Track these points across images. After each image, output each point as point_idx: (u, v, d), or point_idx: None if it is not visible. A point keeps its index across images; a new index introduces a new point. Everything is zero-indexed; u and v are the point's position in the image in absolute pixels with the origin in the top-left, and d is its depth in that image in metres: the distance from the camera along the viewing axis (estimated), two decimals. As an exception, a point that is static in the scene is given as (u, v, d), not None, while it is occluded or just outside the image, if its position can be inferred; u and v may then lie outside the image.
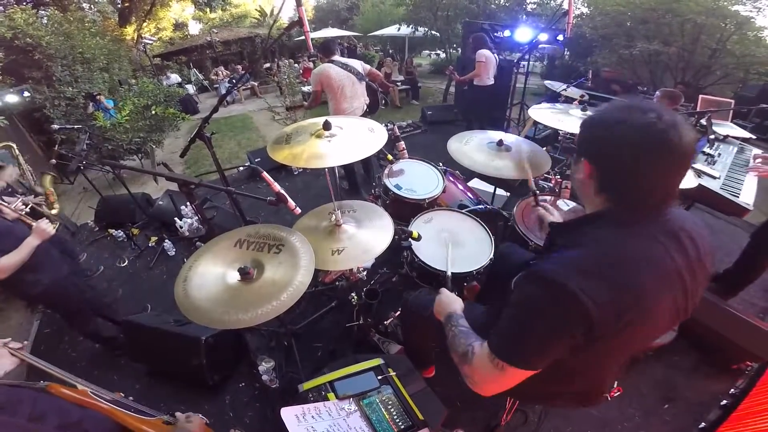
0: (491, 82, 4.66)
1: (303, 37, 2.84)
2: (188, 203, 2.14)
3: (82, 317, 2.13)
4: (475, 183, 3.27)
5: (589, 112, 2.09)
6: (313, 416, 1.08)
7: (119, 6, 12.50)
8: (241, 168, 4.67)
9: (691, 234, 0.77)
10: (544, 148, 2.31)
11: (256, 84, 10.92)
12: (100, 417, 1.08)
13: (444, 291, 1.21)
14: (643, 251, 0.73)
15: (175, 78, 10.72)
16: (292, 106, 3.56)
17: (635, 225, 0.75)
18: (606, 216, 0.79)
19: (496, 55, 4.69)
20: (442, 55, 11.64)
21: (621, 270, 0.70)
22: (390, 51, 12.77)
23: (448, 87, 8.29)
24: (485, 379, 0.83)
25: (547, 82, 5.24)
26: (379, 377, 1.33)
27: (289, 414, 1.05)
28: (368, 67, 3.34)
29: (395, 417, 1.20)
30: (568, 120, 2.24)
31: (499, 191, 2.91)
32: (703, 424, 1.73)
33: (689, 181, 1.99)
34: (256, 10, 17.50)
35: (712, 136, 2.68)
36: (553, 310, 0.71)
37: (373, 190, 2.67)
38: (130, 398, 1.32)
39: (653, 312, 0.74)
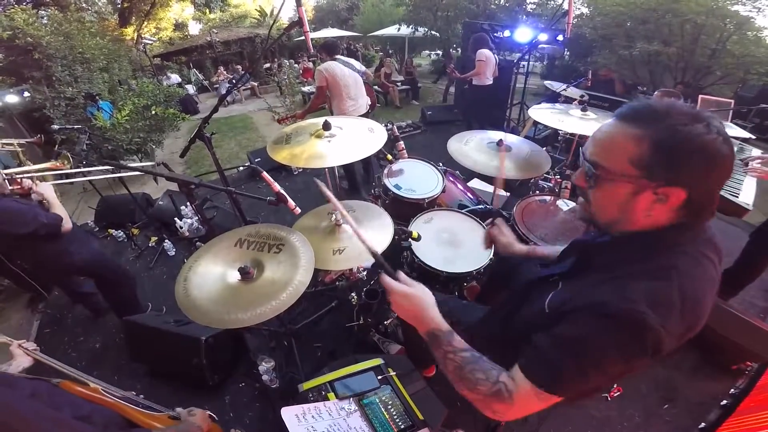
0: (490, 81, 4.70)
1: (303, 38, 2.84)
2: (188, 203, 2.15)
3: (129, 282, 2.35)
4: (475, 183, 3.27)
5: (589, 113, 2.09)
6: (313, 416, 1.08)
7: (119, 6, 12.50)
8: (241, 168, 4.67)
9: (718, 238, 0.75)
10: (544, 149, 2.31)
11: (256, 84, 10.93)
12: (108, 412, 1.11)
13: (400, 284, 0.92)
14: (705, 275, 0.70)
15: (175, 78, 10.73)
16: (281, 119, 3.46)
17: (691, 242, 0.71)
18: (659, 237, 0.72)
19: (496, 55, 4.73)
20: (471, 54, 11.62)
21: (693, 300, 0.67)
22: (390, 51, 12.76)
23: (448, 87, 8.30)
24: (524, 410, 0.76)
25: (546, 83, 5.24)
26: (379, 377, 1.33)
27: (289, 414, 1.05)
28: (364, 67, 3.38)
29: (395, 417, 1.20)
30: (568, 120, 2.24)
31: (499, 191, 2.91)
32: (703, 424, 1.73)
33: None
34: (256, 10, 17.49)
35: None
36: (632, 346, 0.66)
37: (372, 190, 2.67)
38: (141, 396, 1.35)
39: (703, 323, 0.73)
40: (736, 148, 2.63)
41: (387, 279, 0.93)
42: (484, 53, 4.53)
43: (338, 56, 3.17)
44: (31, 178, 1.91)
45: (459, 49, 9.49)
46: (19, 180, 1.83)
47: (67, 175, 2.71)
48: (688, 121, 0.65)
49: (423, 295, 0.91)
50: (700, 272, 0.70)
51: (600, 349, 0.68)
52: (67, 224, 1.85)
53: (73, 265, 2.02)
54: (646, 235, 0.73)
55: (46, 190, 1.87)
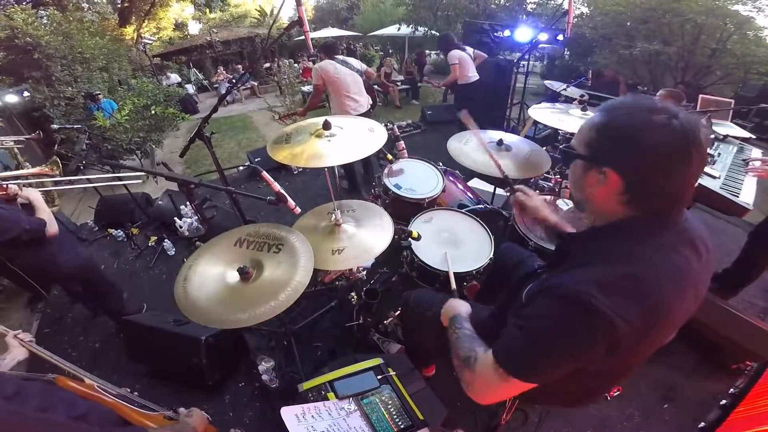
0: (476, 77, 4.47)
1: (303, 37, 2.85)
2: (188, 203, 2.15)
3: (115, 291, 2.34)
4: (475, 183, 3.27)
5: (589, 113, 2.09)
6: (313, 416, 1.08)
7: (119, 6, 12.49)
8: (241, 168, 4.65)
9: (703, 237, 0.76)
10: (544, 148, 2.31)
11: (256, 84, 10.93)
12: (104, 410, 1.10)
13: (452, 298, 1.22)
14: (667, 265, 0.71)
15: (174, 78, 10.72)
16: (282, 116, 3.49)
17: (659, 235, 0.73)
18: (627, 227, 0.75)
19: (467, 49, 4.46)
20: (442, 56, 11.63)
21: (649, 286, 0.68)
22: (390, 51, 12.76)
23: (447, 87, 8.28)
24: (486, 387, 0.81)
25: (547, 82, 5.24)
26: (379, 377, 1.33)
27: (289, 414, 1.05)
28: (364, 66, 3.37)
29: (395, 417, 1.20)
30: (568, 120, 2.24)
31: (499, 191, 2.91)
32: (703, 424, 1.72)
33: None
34: (256, 10, 17.49)
35: (712, 136, 2.68)
36: (576, 328, 0.68)
37: (372, 190, 2.67)
38: (135, 393, 1.33)
39: (673, 320, 0.74)
40: (735, 148, 2.66)
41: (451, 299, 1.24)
42: (455, 55, 4.28)
43: (336, 56, 3.17)
44: (17, 184, 1.89)
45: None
46: (4, 186, 1.81)
47: (70, 180, 2.70)
48: (640, 111, 0.69)
49: (461, 302, 1.18)
50: (666, 265, 0.70)
51: (547, 328, 0.72)
52: (51, 228, 1.81)
53: (59, 273, 1.99)
54: (613, 226, 0.78)
55: (32, 194, 1.85)
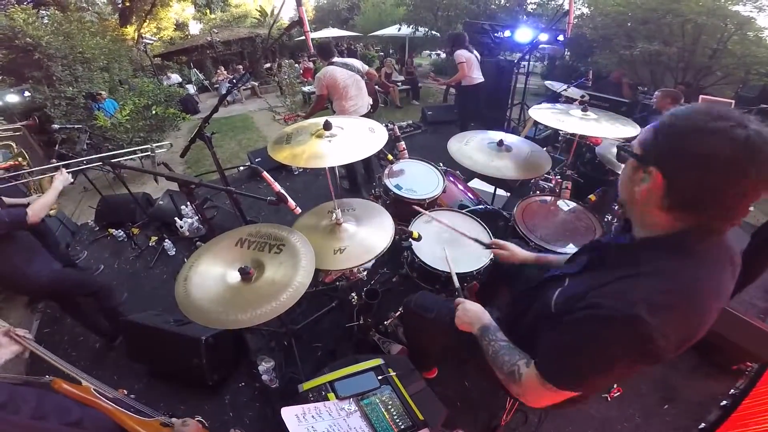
0: (481, 79, 4.51)
1: (303, 37, 2.85)
2: (188, 203, 2.14)
3: (104, 293, 2.23)
4: (475, 183, 3.27)
5: (589, 113, 2.09)
6: (313, 416, 1.08)
7: (119, 6, 12.50)
8: (242, 168, 4.67)
9: (736, 250, 0.75)
10: (545, 149, 2.31)
11: (256, 84, 10.92)
12: (100, 416, 1.08)
13: (467, 302, 1.18)
14: (712, 282, 0.70)
15: (175, 78, 10.73)
16: (287, 117, 3.54)
17: (704, 252, 0.70)
18: (673, 241, 0.72)
19: (475, 52, 4.53)
20: (443, 56, 11.64)
21: (695, 304, 0.67)
22: (390, 51, 12.77)
23: (448, 88, 8.29)
24: (537, 398, 0.85)
25: (547, 83, 5.24)
26: (379, 377, 1.33)
27: (289, 414, 1.05)
28: (366, 66, 3.36)
29: (395, 417, 1.20)
30: (568, 120, 2.24)
31: (499, 191, 2.91)
32: (703, 425, 1.72)
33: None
34: (257, 10, 17.50)
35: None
36: (625, 348, 0.68)
37: (373, 190, 2.68)
38: (132, 396, 1.32)
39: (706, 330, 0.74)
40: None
41: (460, 299, 1.21)
42: (463, 54, 4.31)
43: (335, 59, 3.15)
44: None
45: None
46: None
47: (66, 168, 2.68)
48: (703, 115, 0.65)
49: (479, 307, 1.16)
50: (711, 282, 0.70)
51: (595, 346, 0.72)
52: (34, 216, 1.75)
53: (27, 282, 1.86)
54: (658, 239, 0.75)
55: (58, 179, 1.88)
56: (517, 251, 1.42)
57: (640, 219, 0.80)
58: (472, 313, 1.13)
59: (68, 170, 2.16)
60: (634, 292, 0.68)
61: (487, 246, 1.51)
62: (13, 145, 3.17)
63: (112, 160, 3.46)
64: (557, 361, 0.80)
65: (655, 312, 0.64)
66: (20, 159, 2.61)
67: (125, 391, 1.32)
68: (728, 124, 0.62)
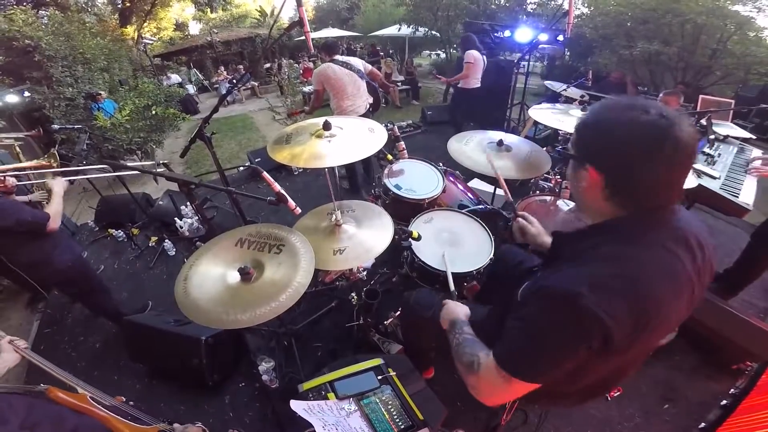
0: (478, 84, 4.58)
1: (303, 38, 2.85)
2: (188, 203, 2.15)
3: (105, 293, 2.30)
4: (475, 183, 3.27)
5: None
6: (317, 412, 1.09)
7: (119, 6, 12.51)
8: (242, 168, 4.67)
9: (699, 236, 0.76)
10: (544, 149, 2.31)
11: (256, 84, 10.94)
12: (95, 424, 1.07)
13: (451, 302, 1.20)
14: (657, 263, 0.71)
15: (175, 78, 10.74)
16: (292, 112, 3.61)
17: (647, 233, 0.73)
18: (617, 226, 0.76)
19: (485, 57, 4.59)
20: (443, 56, 11.64)
21: (638, 284, 0.69)
22: (390, 51, 12.75)
23: (448, 87, 8.29)
24: (491, 390, 0.84)
25: (547, 83, 5.23)
26: (379, 377, 1.33)
27: (298, 406, 1.05)
28: (369, 66, 3.35)
29: (395, 417, 1.20)
30: (568, 120, 2.24)
31: (499, 191, 2.91)
32: (703, 424, 1.72)
33: (689, 182, 1.99)
34: (257, 10, 17.49)
35: (712, 137, 2.67)
36: (568, 327, 0.70)
37: (373, 190, 2.67)
38: (131, 403, 1.31)
39: (667, 319, 0.74)
40: (735, 149, 2.66)
41: (447, 300, 1.24)
42: (473, 55, 4.38)
43: (336, 57, 3.17)
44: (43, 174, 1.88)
45: (459, 50, 9.49)
46: (2, 178, 1.81)
47: (64, 174, 2.68)
48: (614, 109, 0.73)
49: (461, 305, 1.18)
50: (655, 263, 0.71)
51: (541, 328, 0.75)
52: (53, 223, 1.79)
53: (52, 267, 1.92)
54: (602, 226, 0.80)
55: (56, 186, 1.86)
56: (541, 232, 1.28)
57: (588, 210, 0.86)
58: (451, 310, 1.15)
59: (68, 174, 2.17)
60: (577, 274, 0.72)
61: (515, 217, 1.38)
62: (14, 145, 3.17)
63: (112, 161, 3.46)
64: (508, 345, 0.80)
65: (595, 290, 0.67)
66: (51, 160, 2.62)
67: (123, 399, 1.30)
68: (636, 112, 0.69)
